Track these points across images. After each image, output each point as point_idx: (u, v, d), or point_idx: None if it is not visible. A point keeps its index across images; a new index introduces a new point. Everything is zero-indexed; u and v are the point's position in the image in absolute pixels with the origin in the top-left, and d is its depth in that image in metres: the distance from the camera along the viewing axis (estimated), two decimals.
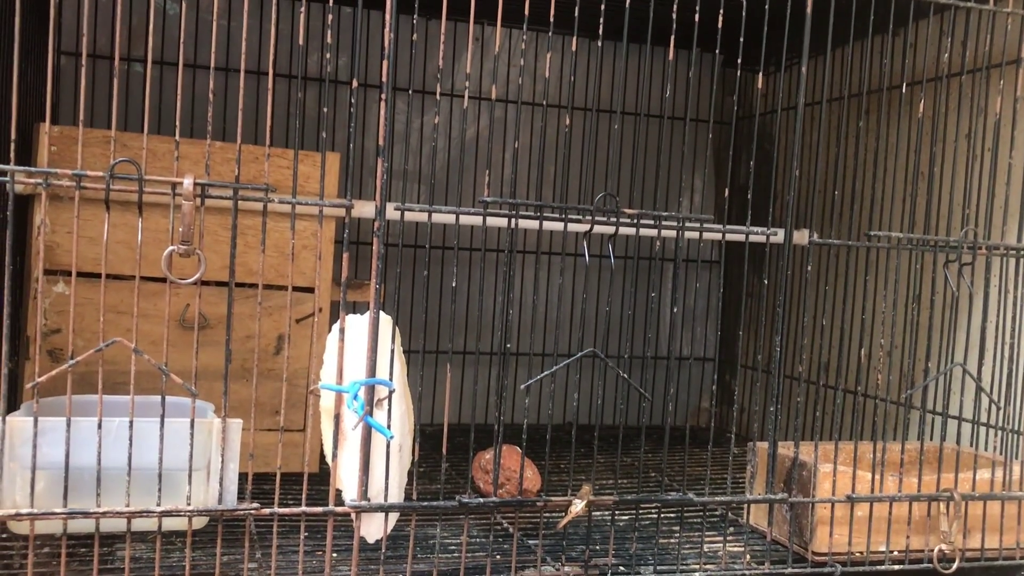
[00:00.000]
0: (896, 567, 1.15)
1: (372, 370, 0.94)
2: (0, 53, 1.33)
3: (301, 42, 0.91)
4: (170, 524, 1.01)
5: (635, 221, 1.05)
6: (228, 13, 1.81)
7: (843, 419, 1.66)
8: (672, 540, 1.23)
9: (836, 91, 1.79)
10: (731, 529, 1.29)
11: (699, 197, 2.18)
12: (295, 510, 0.94)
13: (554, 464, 1.63)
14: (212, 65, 0.90)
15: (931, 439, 1.29)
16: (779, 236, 1.13)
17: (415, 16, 0.98)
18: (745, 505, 1.27)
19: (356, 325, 0.97)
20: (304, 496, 0.95)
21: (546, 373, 1.02)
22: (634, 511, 1.15)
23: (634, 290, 2.01)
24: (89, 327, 1.32)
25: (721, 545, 1.17)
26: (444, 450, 1.00)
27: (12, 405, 1.18)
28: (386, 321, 0.97)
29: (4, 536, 1.09)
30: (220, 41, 1.80)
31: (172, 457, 0.91)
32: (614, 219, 1.03)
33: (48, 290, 1.31)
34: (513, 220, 1.01)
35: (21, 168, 0.85)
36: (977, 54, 1.40)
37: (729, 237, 1.12)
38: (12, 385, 1.33)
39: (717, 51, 1.10)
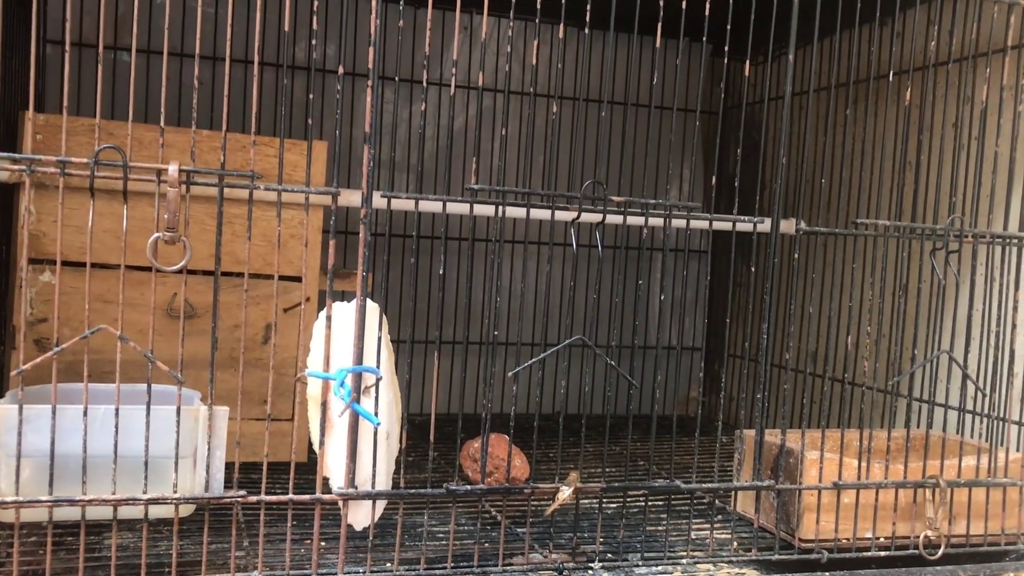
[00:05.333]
0: (882, 553, 1.16)
1: (359, 358, 0.94)
2: None
3: (287, 28, 0.91)
4: (157, 512, 1.01)
5: (622, 209, 1.05)
6: (215, 2, 1.80)
7: (831, 407, 1.67)
8: (660, 528, 1.23)
9: (824, 80, 1.80)
10: (719, 517, 1.29)
11: (688, 187, 2.18)
12: (282, 498, 0.94)
13: (543, 453, 1.64)
14: (197, 52, 0.90)
15: (918, 427, 1.30)
16: (766, 225, 1.13)
17: (401, 3, 0.97)
18: (733, 493, 1.28)
19: (343, 313, 0.97)
20: (291, 484, 0.95)
21: (533, 361, 1.02)
22: (622, 498, 1.15)
23: (623, 279, 2.01)
24: (76, 316, 1.32)
25: (708, 532, 1.17)
26: (432, 438, 1.00)
27: None
28: (373, 309, 0.97)
29: None
30: (207, 29, 1.79)
31: (158, 445, 0.91)
32: (601, 207, 1.03)
33: (34, 279, 1.30)
34: (500, 208, 1.01)
35: (5, 155, 0.84)
36: (964, 43, 1.40)
37: (716, 226, 1.12)
38: None
39: (704, 39, 1.10)
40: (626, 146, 2.04)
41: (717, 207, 2.13)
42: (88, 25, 1.74)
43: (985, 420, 1.23)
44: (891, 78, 1.18)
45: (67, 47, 0.86)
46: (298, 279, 1.43)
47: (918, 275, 1.20)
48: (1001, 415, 1.24)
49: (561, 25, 1.03)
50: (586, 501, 1.27)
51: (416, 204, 0.99)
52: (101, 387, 1.07)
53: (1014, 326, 1.22)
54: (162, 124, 0.89)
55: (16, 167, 0.86)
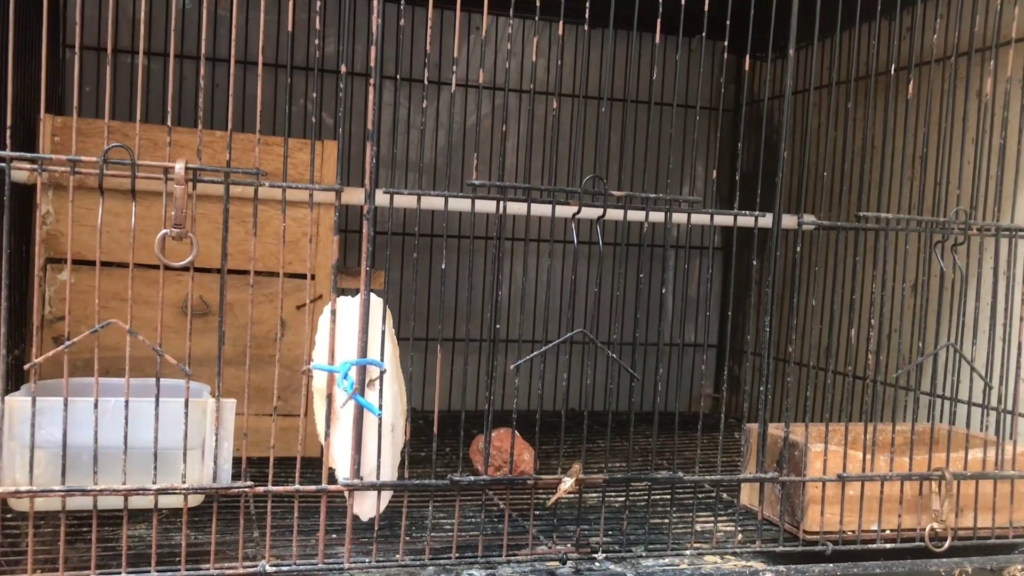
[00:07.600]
0: (888, 545, 1.16)
1: (363, 351, 0.96)
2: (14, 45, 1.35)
3: (289, 28, 0.93)
4: (167, 502, 1.03)
5: (623, 204, 1.06)
6: (246, 8, 1.83)
7: (841, 401, 1.67)
8: (665, 520, 1.24)
9: (834, 76, 1.79)
10: (729, 510, 1.30)
11: (702, 183, 2.19)
12: (288, 488, 0.97)
13: (553, 449, 1.65)
14: (202, 54, 0.92)
15: (927, 420, 1.30)
16: (767, 219, 1.13)
17: (401, 3, 0.99)
18: (739, 486, 1.28)
19: (348, 307, 0.99)
20: (298, 475, 0.97)
21: (535, 353, 1.04)
22: (626, 491, 1.16)
23: (635, 275, 2.01)
24: (93, 314, 1.34)
25: (713, 524, 1.18)
26: (435, 429, 1.02)
27: (17, 389, 1.21)
28: (377, 303, 0.99)
29: (8, 516, 1.11)
30: (221, 32, 1.82)
31: (167, 436, 0.93)
32: (602, 202, 1.04)
33: (52, 278, 1.33)
34: (502, 203, 1.02)
35: (17, 155, 0.87)
36: (972, 36, 1.40)
37: (718, 220, 1.13)
38: (18, 371, 1.35)
39: (703, 34, 1.11)
40: (639, 143, 2.05)
41: (732, 203, 2.13)
42: (109, 30, 1.78)
43: (992, 413, 1.23)
44: (895, 72, 1.18)
45: (77, 50, 0.89)
46: (312, 276, 1.46)
47: (926, 268, 1.20)
48: (1007, 408, 1.24)
49: (561, 23, 1.04)
50: (593, 494, 1.28)
51: (418, 200, 1.01)
52: (113, 381, 1.10)
53: (1021, 319, 1.22)
54: (168, 124, 0.91)
55: (30, 167, 0.89)
